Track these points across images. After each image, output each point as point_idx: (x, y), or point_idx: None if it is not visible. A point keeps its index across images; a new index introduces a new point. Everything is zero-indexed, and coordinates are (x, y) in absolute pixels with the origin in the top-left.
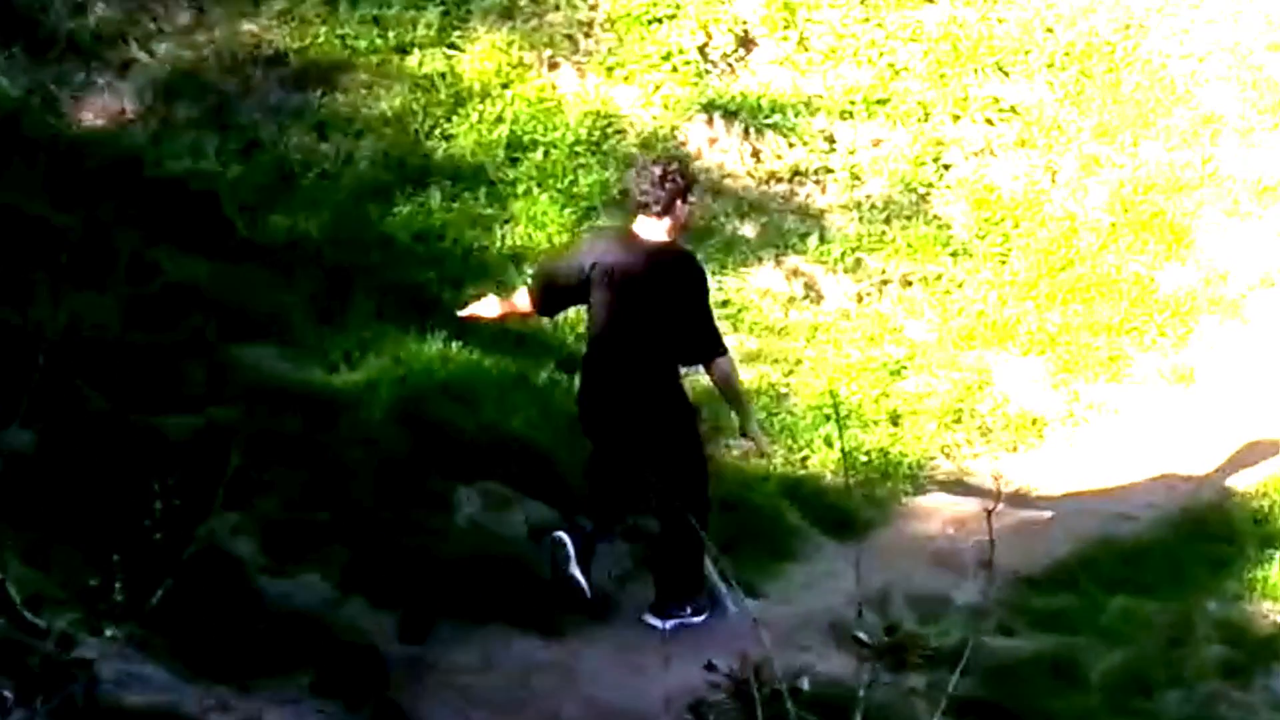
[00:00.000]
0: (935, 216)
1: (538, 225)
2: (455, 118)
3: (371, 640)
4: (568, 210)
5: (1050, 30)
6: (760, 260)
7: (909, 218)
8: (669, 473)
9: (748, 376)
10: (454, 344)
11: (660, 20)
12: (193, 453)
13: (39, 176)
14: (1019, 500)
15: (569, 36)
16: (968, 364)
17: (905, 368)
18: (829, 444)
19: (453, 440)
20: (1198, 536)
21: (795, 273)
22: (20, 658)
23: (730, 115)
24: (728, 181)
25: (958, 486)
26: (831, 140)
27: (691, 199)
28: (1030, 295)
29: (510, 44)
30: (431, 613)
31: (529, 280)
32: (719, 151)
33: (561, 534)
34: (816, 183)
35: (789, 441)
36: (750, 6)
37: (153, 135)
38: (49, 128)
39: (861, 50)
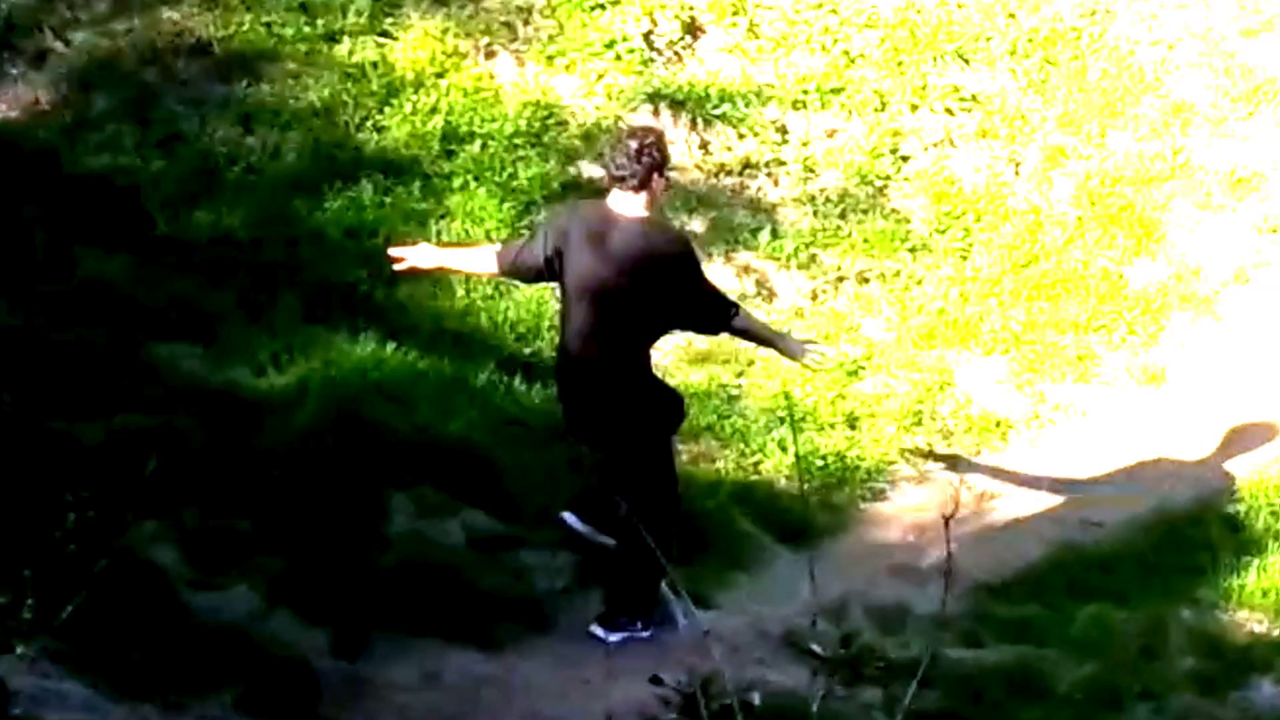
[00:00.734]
0: (893, 210)
1: (475, 220)
2: (388, 108)
3: (303, 655)
4: (506, 204)
5: (1012, 16)
6: (710, 256)
7: (865, 212)
8: (636, 480)
9: (696, 378)
10: (387, 344)
11: (603, 6)
12: (109, 459)
13: None
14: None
15: (507, 23)
16: (928, 364)
17: (862, 368)
18: (783, 448)
19: (387, 445)
20: (1170, 543)
21: (746, 269)
22: None
23: (677, 105)
24: (675, 174)
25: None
26: (784, 131)
27: (668, 173)
28: (993, 292)
29: (445, 31)
30: (365, 626)
31: (501, 242)
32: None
33: (564, 515)
34: (768, 175)
35: (741, 446)
36: None
37: (69, 128)
38: None
39: (815, 37)
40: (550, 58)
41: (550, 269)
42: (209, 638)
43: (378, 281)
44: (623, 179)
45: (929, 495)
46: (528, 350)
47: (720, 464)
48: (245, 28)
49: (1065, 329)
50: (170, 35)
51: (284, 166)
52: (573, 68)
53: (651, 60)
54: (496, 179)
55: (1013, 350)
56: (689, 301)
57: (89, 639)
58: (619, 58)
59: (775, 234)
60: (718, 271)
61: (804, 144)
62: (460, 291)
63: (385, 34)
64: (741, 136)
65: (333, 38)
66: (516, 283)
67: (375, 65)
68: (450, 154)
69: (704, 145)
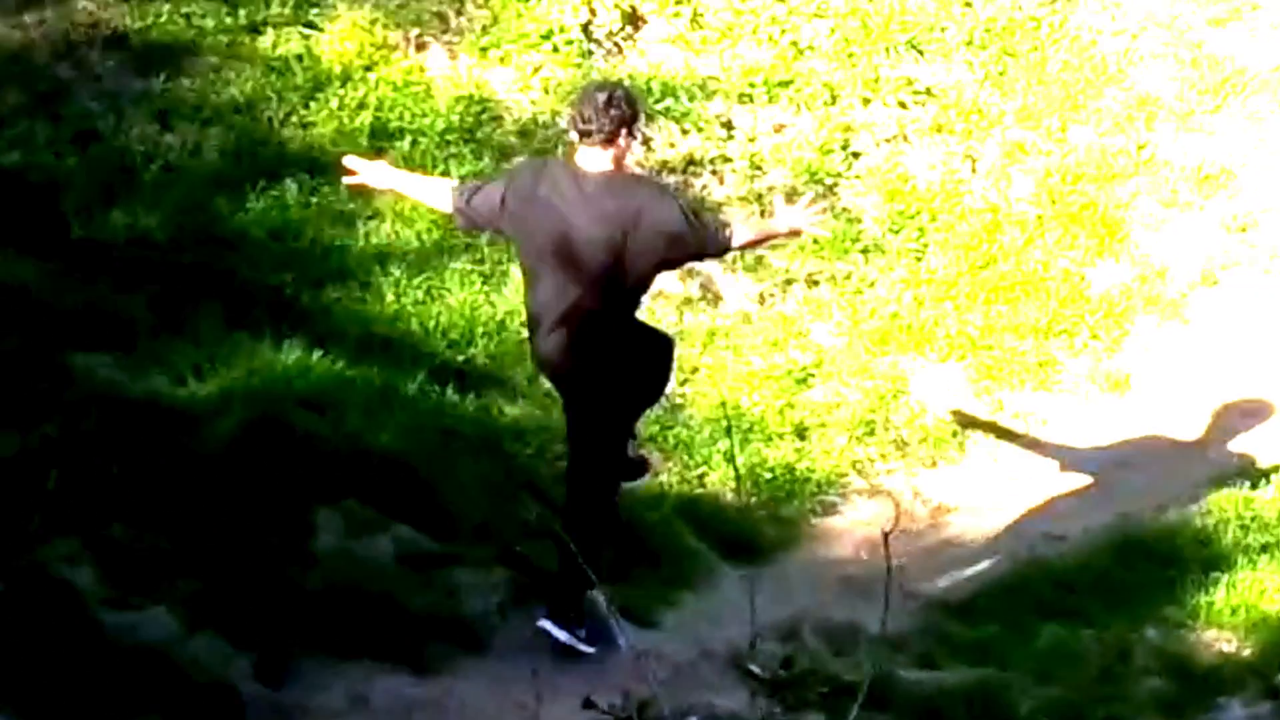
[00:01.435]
0: (844, 209)
1: (405, 221)
2: (313, 104)
3: (226, 679)
4: None
5: (969, 5)
6: None
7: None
8: (606, 439)
9: None
10: (314, 352)
11: None
12: (22, 473)
13: None
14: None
15: (438, 14)
16: (881, 371)
17: (812, 375)
18: (729, 460)
19: (313, 457)
20: (1136, 558)
21: (690, 273)
22: None
23: None
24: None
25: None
26: (729, 126)
27: (638, 131)
28: (949, 295)
29: (374, 22)
30: (291, 649)
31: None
32: None
33: (542, 624)
34: (713, 173)
35: (685, 458)
36: None
37: None
38: None
39: (762, 27)
40: (484, 49)
41: (503, 222)
42: (126, 661)
43: (303, 286)
44: (589, 133)
45: (882, 508)
46: (460, 357)
47: (664, 477)
48: (163, 19)
49: (1025, 333)
50: (84, 27)
51: (204, 165)
52: (508, 60)
53: (590, 52)
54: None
55: (969, 356)
56: (679, 237)
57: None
58: (556, 49)
59: None
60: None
61: (750, 140)
62: (390, 296)
63: (310, 25)
64: (685, 132)
65: (255, 29)
66: (467, 229)
67: (300, 58)
68: (379, 151)
69: (646, 141)
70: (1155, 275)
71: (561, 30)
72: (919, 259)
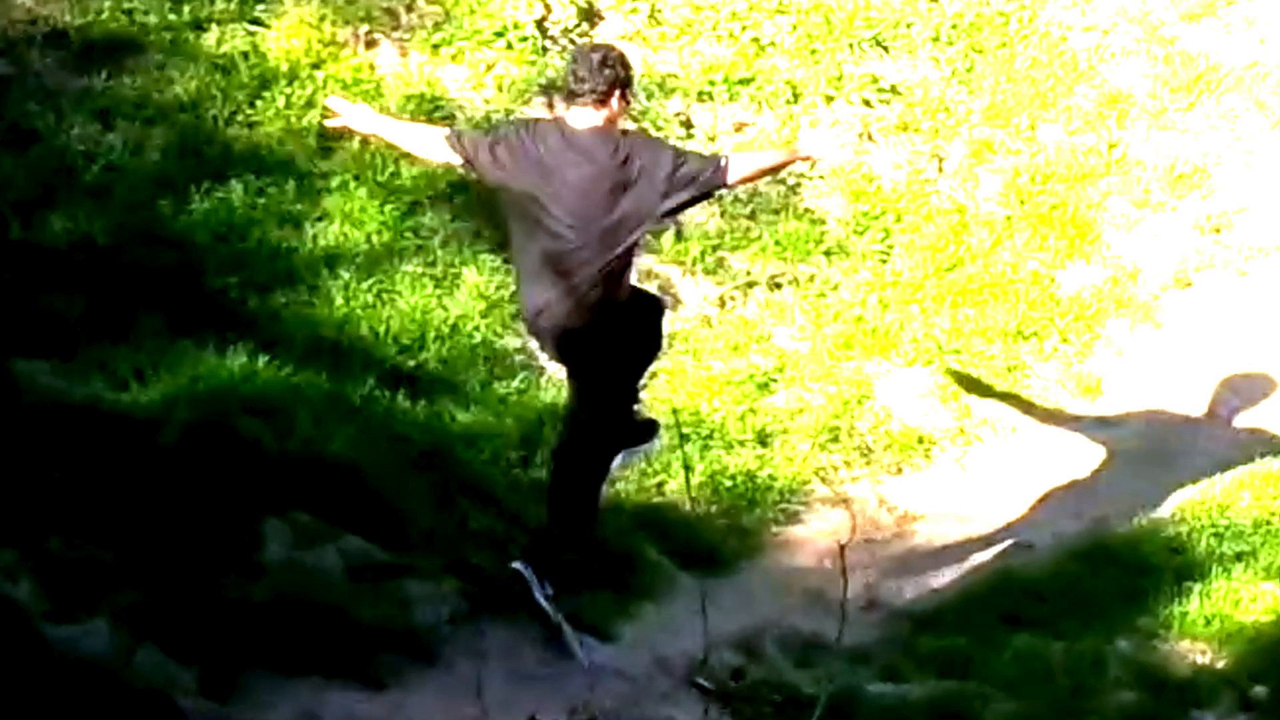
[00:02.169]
0: (807, 210)
1: (355, 223)
2: (259, 102)
3: (170, 694)
4: (389, 206)
5: (935, 0)
6: None
7: (777, 211)
8: (616, 401)
9: None
10: (260, 357)
11: None
12: None
13: None
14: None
15: (389, 10)
16: (845, 376)
17: (774, 381)
18: (688, 468)
19: (260, 466)
20: (1107, 568)
21: (649, 274)
22: None
23: None
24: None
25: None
26: (689, 124)
27: (630, 94)
28: (915, 298)
29: (322, 19)
30: (238, 663)
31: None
32: None
33: (517, 565)
34: None
35: (643, 465)
36: None
37: None
38: None
39: (722, 24)
40: (436, 47)
41: (492, 176)
42: (68, 674)
43: (249, 289)
44: (581, 93)
45: (846, 517)
46: (411, 363)
47: (621, 485)
48: (105, 15)
49: (993, 337)
50: (23, 23)
51: (147, 165)
52: (460, 57)
53: (545, 49)
54: (378, 178)
55: (936, 361)
56: (672, 181)
57: None
58: (510, 46)
59: (680, 236)
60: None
61: (710, 138)
62: (339, 300)
63: (257, 22)
64: (644, 131)
65: (200, 26)
66: (466, 168)
67: (246, 55)
68: (327, 151)
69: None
70: (1127, 277)
71: (516, 27)
72: (884, 261)
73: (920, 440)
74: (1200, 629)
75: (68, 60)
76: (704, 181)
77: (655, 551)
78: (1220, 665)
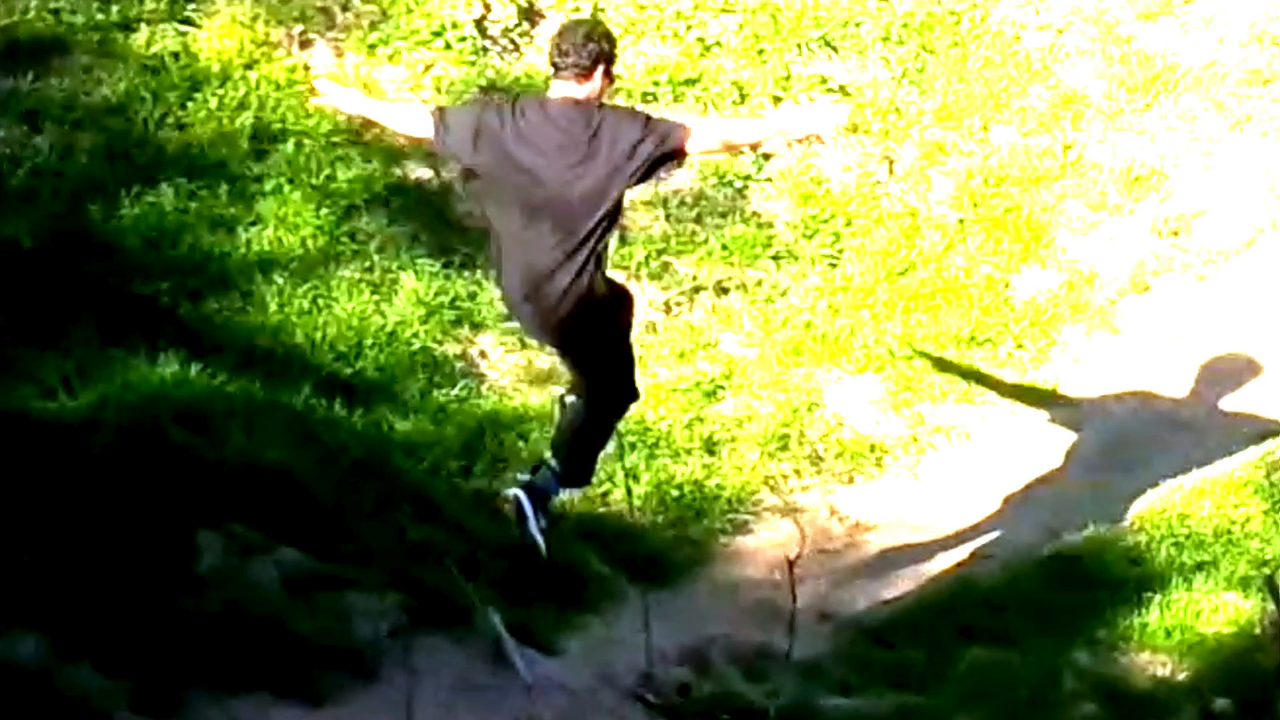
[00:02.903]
0: (754, 213)
1: (289, 227)
2: (191, 104)
3: (103, 712)
4: (324, 210)
5: None
6: None
7: (724, 215)
8: (600, 361)
9: (536, 400)
10: (192, 365)
11: None
12: None
13: None
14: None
15: (323, 9)
16: (794, 383)
17: (721, 388)
18: (634, 477)
19: (193, 476)
20: (1065, 578)
21: None
22: None
23: None
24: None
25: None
26: None
27: (615, 71)
28: (865, 303)
29: (255, 18)
30: (173, 679)
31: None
32: None
33: (514, 491)
34: None
35: None
36: None
37: None
38: None
39: (666, 23)
40: (372, 47)
41: (472, 155)
42: None
43: (181, 295)
44: (564, 66)
45: (796, 527)
46: (348, 370)
47: (565, 495)
48: (30, 15)
49: (946, 343)
50: None
51: (75, 169)
52: (397, 58)
53: (485, 49)
54: (313, 181)
55: (888, 367)
56: (640, 143)
57: None
58: (449, 46)
59: (624, 240)
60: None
61: None
62: (273, 306)
63: (187, 21)
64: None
65: (129, 26)
66: (444, 152)
67: (177, 56)
68: (261, 154)
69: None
70: (1083, 282)
71: (454, 26)
72: (833, 265)
73: (872, 448)
74: (1161, 640)
75: None
76: (661, 145)
77: (600, 563)
78: (1181, 677)
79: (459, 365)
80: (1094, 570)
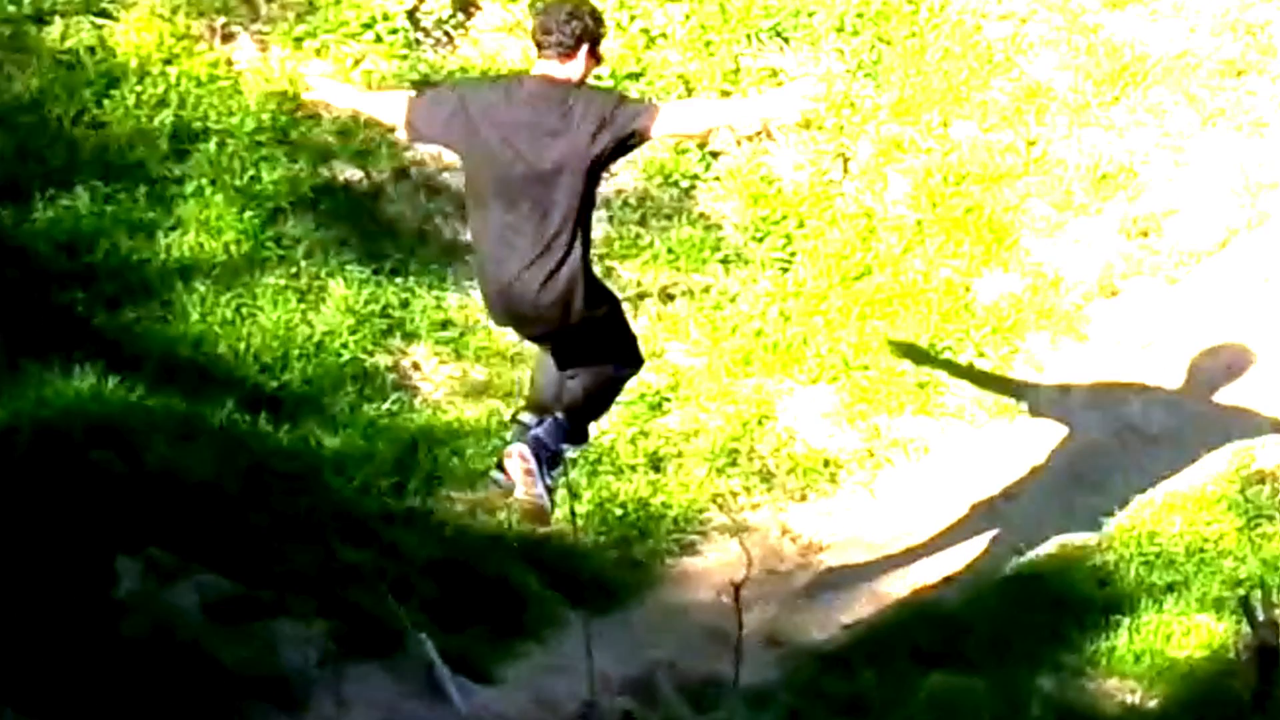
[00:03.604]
0: (702, 215)
1: (211, 231)
2: (107, 101)
3: None
4: (248, 213)
5: None
6: None
7: (669, 217)
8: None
9: (471, 413)
10: (110, 379)
11: None
12: None
13: None
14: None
15: (247, 1)
16: (744, 395)
17: (667, 400)
18: (576, 495)
19: (111, 496)
20: (1029, 600)
21: None
22: None
23: None
24: (446, 176)
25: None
26: None
27: (600, 53)
28: (819, 310)
29: (174, 10)
30: (90, 712)
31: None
32: None
33: (522, 448)
34: None
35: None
36: None
37: None
38: None
39: (609, 13)
40: (298, 40)
41: (452, 138)
42: None
43: (97, 304)
44: (547, 45)
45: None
46: (274, 383)
47: (502, 515)
48: None
49: (903, 352)
50: None
51: None
52: (325, 51)
53: (417, 42)
54: (236, 183)
55: (842, 378)
56: (607, 121)
57: None
58: (379, 39)
59: None
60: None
61: None
62: (195, 315)
63: (104, 14)
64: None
65: (42, 19)
66: (413, 141)
67: (92, 50)
68: (182, 154)
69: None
70: (1048, 286)
71: (385, 18)
72: (785, 270)
73: (826, 463)
74: (1129, 665)
75: None
76: (631, 122)
77: (540, 586)
78: (1151, 705)
79: (391, 377)
80: (1059, 591)
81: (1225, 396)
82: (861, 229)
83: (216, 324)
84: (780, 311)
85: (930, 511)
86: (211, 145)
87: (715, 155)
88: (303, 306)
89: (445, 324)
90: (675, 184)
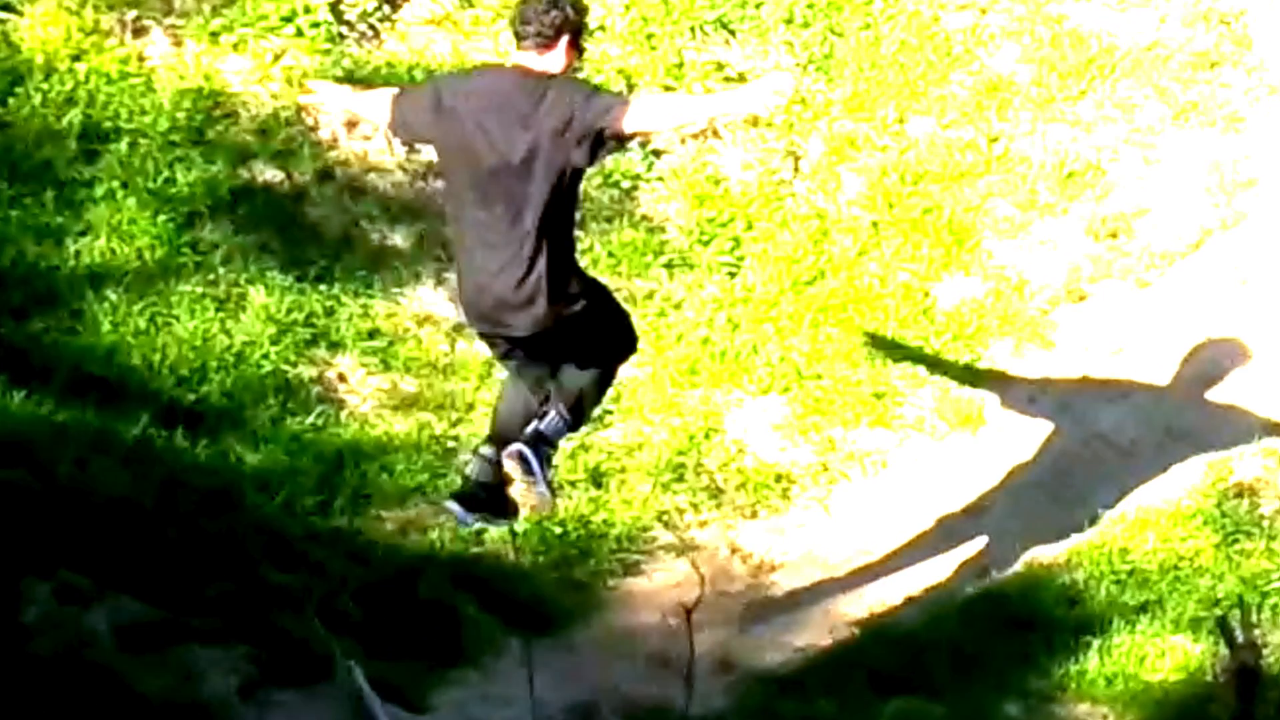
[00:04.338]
0: (644, 217)
1: (123, 237)
2: (12, 100)
3: None
4: (162, 216)
5: None
6: (418, 278)
7: (610, 219)
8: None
9: (401, 428)
10: (15, 392)
11: None
12: None
13: None
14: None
15: None
16: (690, 406)
17: (609, 413)
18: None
19: (17, 516)
20: (994, 621)
21: None
22: None
23: None
24: (373, 177)
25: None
26: None
27: (582, 44)
28: (769, 317)
29: (83, 4)
30: None
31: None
32: (360, 138)
33: (521, 447)
34: None
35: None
36: None
37: None
38: None
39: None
40: (214, 34)
41: (433, 132)
42: None
43: (2, 314)
44: (525, 35)
45: (693, 567)
46: (191, 396)
47: (434, 534)
48: None
49: (859, 361)
50: None
51: None
52: (243, 46)
53: (341, 36)
54: (149, 185)
55: (794, 388)
56: (575, 116)
57: None
58: (300, 33)
59: None
60: (428, 296)
61: None
62: (106, 325)
63: (7, 7)
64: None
65: None
66: (408, 142)
67: None
68: (91, 155)
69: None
70: (1012, 290)
71: (307, 10)
72: (733, 274)
73: (778, 478)
74: (1101, 690)
75: None
76: (602, 116)
77: (475, 609)
78: None
79: (315, 390)
80: (1026, 611)
81: (1200, 405)
82: (814, 231)
83: (129, 334)
84: (728, 318)
85: (888, 528)
86: (123, 146)
87: (658, 154)
88: (221, 315)
89: (372, 333)
90: (616, 184)
